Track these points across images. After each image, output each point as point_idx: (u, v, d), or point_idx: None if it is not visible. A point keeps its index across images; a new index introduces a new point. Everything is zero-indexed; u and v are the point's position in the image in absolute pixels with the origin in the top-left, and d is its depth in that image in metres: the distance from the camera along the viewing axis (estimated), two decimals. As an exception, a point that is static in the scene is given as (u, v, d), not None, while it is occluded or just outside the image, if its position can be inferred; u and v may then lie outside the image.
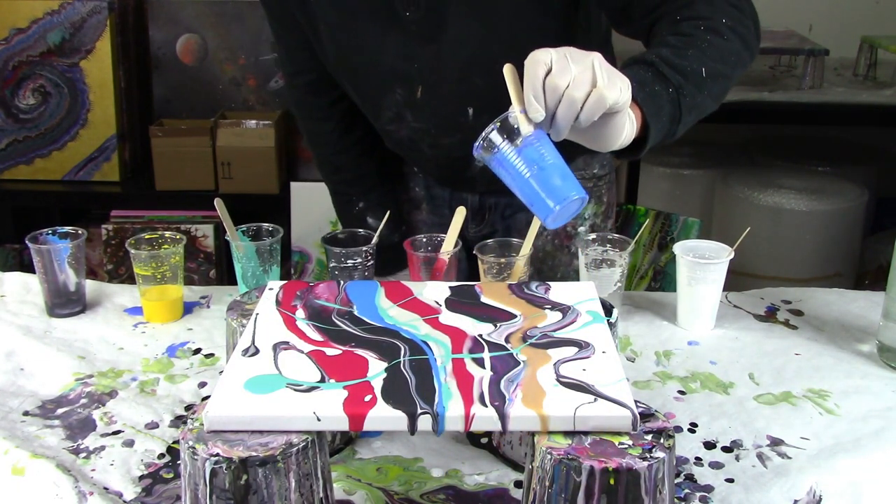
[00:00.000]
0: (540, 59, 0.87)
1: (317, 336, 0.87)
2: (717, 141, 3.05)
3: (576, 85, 0.86)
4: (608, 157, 1.43)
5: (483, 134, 0.90)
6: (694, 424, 1.01)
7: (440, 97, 1.22)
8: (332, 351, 0.84)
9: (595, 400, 0.75)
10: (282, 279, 1.08)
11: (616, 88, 0.87)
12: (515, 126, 0.89)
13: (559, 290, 0.97)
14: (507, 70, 0.91)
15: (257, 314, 0.91)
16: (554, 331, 0.88)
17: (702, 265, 1.20)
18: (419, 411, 0.74)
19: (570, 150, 1.35)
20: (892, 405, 1.04)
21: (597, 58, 0.87)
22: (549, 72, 0.86)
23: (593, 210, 1.42)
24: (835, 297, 1.34)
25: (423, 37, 1.17)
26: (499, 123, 0.89)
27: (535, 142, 0.89)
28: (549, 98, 0.87)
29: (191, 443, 0.73)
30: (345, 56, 1.24)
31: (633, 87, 0.93)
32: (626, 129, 0.93)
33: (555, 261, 1.42)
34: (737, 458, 0.94)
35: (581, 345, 0.85)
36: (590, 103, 0.86)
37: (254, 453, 0.71)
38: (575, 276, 1.42)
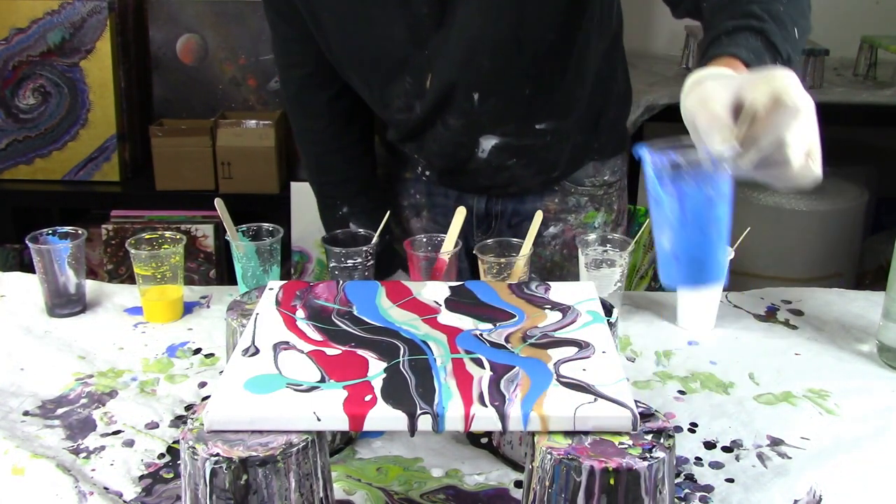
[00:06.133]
0: (755, 102, 0.76)
1: (317, 336, 0.87)
2: (717, 141, 3.05)
3: (795, 152, 0.78)
4: (619, 164, 1.41)
5: (681, 148, 0.74)
6: (694, 424, 1.01)
7: (449, 84, 1.20)
8: (332, 351, 0.84)
9: (595, 400, 0.75)
10: (282, 279, 1.08)
11: (819, 161, 0.79)
12: (723, 164, 0.72)
13: (559, 290, 0.97)
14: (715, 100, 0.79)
15: (257, 314, 0.91)
16: (554, 331, 0.88)
17: (702, 265, 1.20)
18: (419, 411, 0.74)
19: (580, 162, 1.35)
20: (892, 405, 1.04)
21: (807, 108, 0.78)
22: (755, 116, 0.77)
23: (604, 218, 1.41)
24: (835, 297, 1.34)
25: (433, 21, 1.15)
26: (709, 157, 0.72)
27: (727, 195, 0.74)
28: (764, 148, 0.77)
29: (191, 443, 0.73)
30: (351, 46, 1.22)
31: (752, 61, 0.88)
32: None
33: (563, 271, 1.40)
34: (737, 458, 0.94)
35: (581, 345, 0.85)
36: (792, 172, 0.79)
37: (254, 453, 0.71)
38: None
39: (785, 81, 0.77)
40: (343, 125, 1.36)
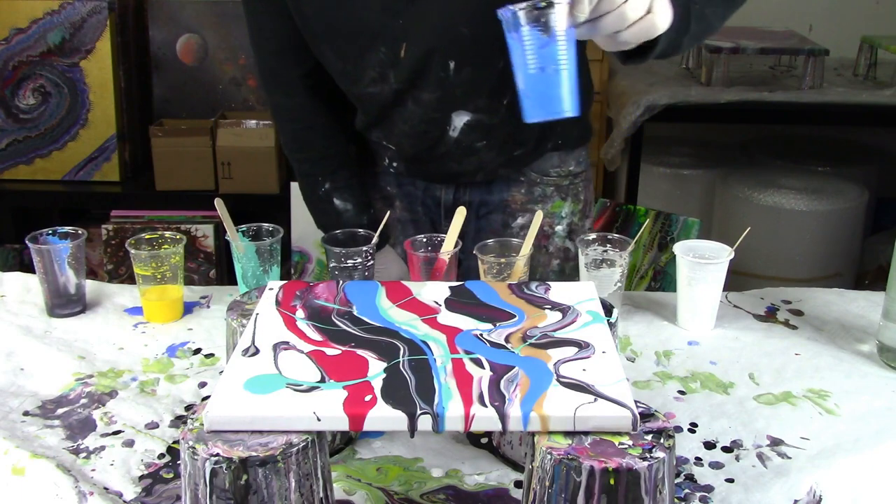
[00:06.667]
0: None
1: (317, 336, 0.87)
2: (717, 141, 3.06)
3: (632, 5, 0.87)
4: (584, 155, 1.43)
5: (518, 5, 0.87)
6: (694, 424, 1.01)
7: (423, 52, 1.20)
8: (332, 351, 0.84)
9: (595, 400, 0.75)
10: (282, 279, 1.08)
11: (665, 19, 0.89)
12: (552, 15, 0.86)
13: (559, 290, 0.97)
14: None
15: (257, 314, 0.91)
16: (554, 331, 0.88)
17: (702, 265, 1.20)
18: (419, 411, 0.74)
19: (544, 145, 1.36)
20: (892, 405, 1.04)
21: None
22: None
23: (570, 208, 1.41)
24: (835, 297, 1.34)
25: None
26: (542, 4, 0.86)
27: (564, 41, 0.87)
28: (604, 5, 0.87)
29: (191, 443, 0.73)
30: (326, 16, 1.22)
31: None
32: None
33: (533, 261, 1.41)
34: (737, 458, 0.94)
35: (581, 345, 0.85)
36: (638, 27, 0.88)
37: (254, 453, 0.71)
38: (553, 277, 1.42)
39: None
40: (319, 101, 1.36)
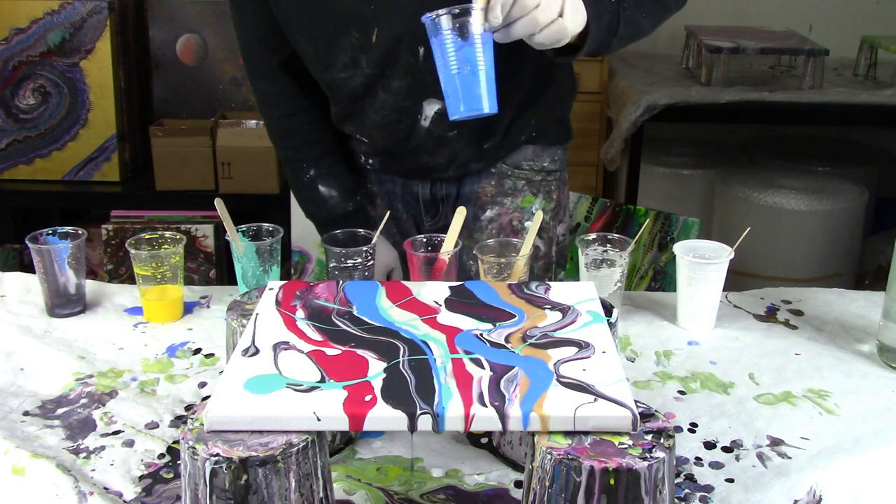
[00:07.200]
0: None
1: (317, 336, 0.87)
2: (717, 141, 3.06)
3: (543, 9, 0.92)
4: (560, 154, 1.43)
5: (438, 11, 0.94)
6: (694, 424, 1.01)
7: (394, 37, 1.21)
8: (332, 351, 0.84)
9: (595, 400, 0.75)
10: (282, 279, 1.08)
11: (577, 22, 0.94)
12: (468, 20, 0.93)
13: (559, 290, 0.97)
14: None
15: (257, 314, 0.91)
16: (554, 331, 0.88)
17: (702, 265, 1.20)
18: (419, 411, 0.74)
19: (516, 138, 1.37)
20: (892, 405, 1.04)
21: None
22: None
23: (541, 205, 1.41)
24: (835, 297, 1.34)
25: None
26: (457, 10, 0.93)
27: (480, 44, 0.94)
28: (516, 11, 0.92)
29: (191, 443, 0.73)
30: (299, 1, 1.23)
31: None
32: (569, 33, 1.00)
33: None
34: (737, 458, 0.94)
35: (581, 345, 0.85)
36: (549, 32, 0.93)
37: (254, 453, 0.71)
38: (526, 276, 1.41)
39: None
40: (302, 88, 1.37)
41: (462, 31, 0.93)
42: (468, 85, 0.95)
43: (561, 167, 1.45)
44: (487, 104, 0.96)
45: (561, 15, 0.96)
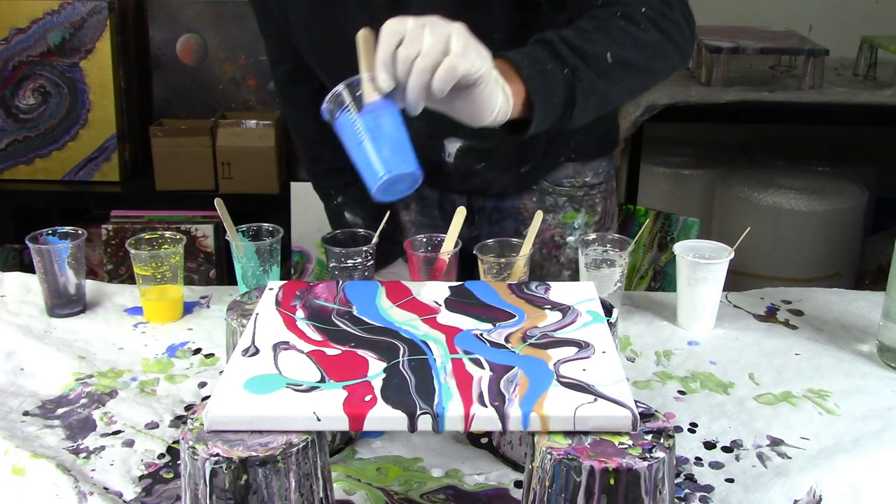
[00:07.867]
0: (394, 29, 0.86)
1: (316, 336, 0.87)
2: (717, 141, 3.06)
3: (426, 55, 0.84)
4: (604, 166, 1.41)
5: (331, 93, 0.91)
6: (694, 424, 1.01)
7: None
8: (332, 351, 0.84)
9: (595, 400, 0.75)
10: (282, 279, 1.08)
11: (470, 59, 0.85)
12: (358, 94, 0.90)
13: (559, 290, 0.97)
14: (361, 36, 0.90)
15: (257, 314, 0.91)
16: (554, 331, 0.88)
17: (702, 265, 1.20)
18: (419, 411, 0.74)
19: (555, 158, 1.35)
20: (892, 405, 1.04)
21: (456, 28, 0.86)
22: (401, 41, 0.85)
23: (585, 220, 1.40)
24: (835, 297, 1.34)
25: (387, 8, 1.12)
26: (344, 86, 0.90)
27: (378, 110, 0.89)
28: (400, 69, 0.86)
29: (191, 443, 0.73)
30: (315, 39, 1.24)
31: (522, 63, 0.92)
32: (499, 103, 0.91)
33: (543, 271, 1.40)
34: (737, 458, 0.94)
35: (581, 345, 0.85)
36: (440, 73, 0.85)
37: (254, 453, 0.71)
38: None
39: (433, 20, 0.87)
40: None
41: (357, 105, 0.90)
42: (364, 156, 0.90)
43: (606, 178, 1.41)
44: (405, 165, 0.90)
45: (446, 53, 0.85)
